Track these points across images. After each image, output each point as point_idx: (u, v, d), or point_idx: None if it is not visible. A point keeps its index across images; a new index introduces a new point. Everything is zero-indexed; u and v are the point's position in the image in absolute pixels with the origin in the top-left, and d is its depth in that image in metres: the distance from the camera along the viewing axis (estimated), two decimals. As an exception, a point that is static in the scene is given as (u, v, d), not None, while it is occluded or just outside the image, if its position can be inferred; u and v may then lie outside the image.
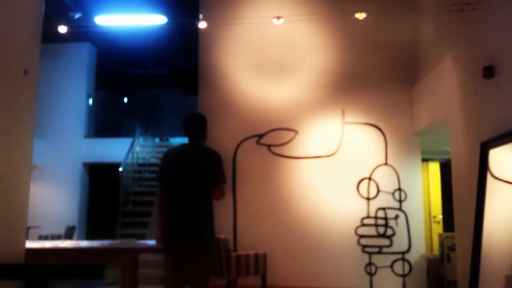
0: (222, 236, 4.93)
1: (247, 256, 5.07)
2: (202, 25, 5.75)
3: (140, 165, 9.65)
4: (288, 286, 5.79)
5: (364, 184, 6.11)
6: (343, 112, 6.28)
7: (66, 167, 10.75)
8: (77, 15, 9.37)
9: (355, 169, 6.13)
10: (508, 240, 3.68)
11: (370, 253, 5.91)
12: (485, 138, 4.16)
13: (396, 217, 6.02)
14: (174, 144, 11.15)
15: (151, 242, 4.40)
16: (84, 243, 4.40)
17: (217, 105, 6.41)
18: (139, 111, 11.62)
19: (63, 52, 11.02)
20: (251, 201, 6.14)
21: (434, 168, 7.93)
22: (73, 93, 11.07)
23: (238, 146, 6.26)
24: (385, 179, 6.10)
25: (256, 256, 5.13)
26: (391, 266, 5.92)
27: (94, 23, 9.56)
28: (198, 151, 3.64)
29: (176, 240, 3.44)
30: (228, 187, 6.20)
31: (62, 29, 5.37)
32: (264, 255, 5.24)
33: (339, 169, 6.14)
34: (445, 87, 5.18)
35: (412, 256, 5.95)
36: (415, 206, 6.06)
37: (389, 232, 5.97)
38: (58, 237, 8.99)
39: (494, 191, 3.97)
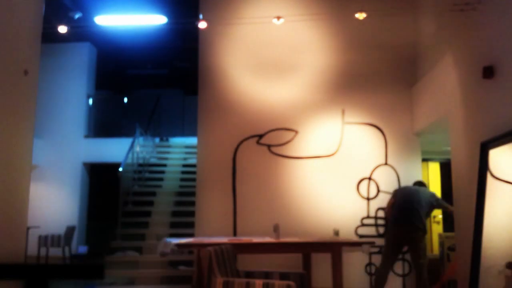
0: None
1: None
2: (202, 25, 5.74)
3: (140, 165, 9.65)
4: (288, 286, 5.77)
5: (364, 184, 6.11)
6: (343, 112, 6.29)
7: (66, 167, 10.75)
8: (77, 15, 9.38)
9: (355, 169, 6.13)
10: (508, 240, 3.68)
11: (370, 253, 5.92)
12: (485, 138, 4.16)
13: (396, 217, 6.01)
14: (174, 144, 11.16)
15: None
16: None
17: (217, 105, 6.41)
18: (139, 111, 11.62)
19: (63, 52, 11.03)
20: (251, 201, 6.14)
21: (434, 168, 7.93)
22: (73, 93, 11.08)
23: (238, 146, 6.26)
24: (385, 179, 6.10)
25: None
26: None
27: (94, 23, 9.57)
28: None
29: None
30: (228, 187, 6.21)
31: (62, 29, 5.37)
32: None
33: (339, 169, 6.14)
34: (445, 87, 5.18)
35: (412, 256, 5.95)
36: (415, 206, 6.06)
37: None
38: (58, 237, 9.01)
39: (494, 191, 3.97)
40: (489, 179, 4.04)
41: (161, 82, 13.36)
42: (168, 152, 10.89)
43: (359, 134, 6.23)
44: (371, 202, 6.06)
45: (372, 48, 6.40)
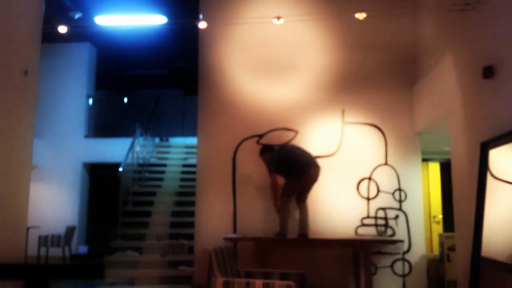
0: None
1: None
2: (202, 25, 5.74)
3: (140, 165, 9.65)
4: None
5: (364, 184, 6.11)
6: (343, 112, 6.28)
7: (66, 167, 10.76)
8: (77, 15, 9.38)
9: (355, 169, 6.13)
10: (508, 240, 3.68)
11: (370, 253, 5.90)
12: (485, 138, 4.16)
13: (396, 217, 6.02)
14: (174, 144, 11.16)
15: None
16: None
17: (217, 105, 6.41)
18: (139, 111, 11.63)
19: (63, 52, 11.04)
20: (251, 201, 6.14)
21: (434, 168, 7.94)
22: (73, 93, 11.08)
23: (238, 146, 6.26)
24: (385, 179, 6.10)
25: None
26: (391, 266, 5.93)
27: (94, 23, 9.57)
28: None
29: None
30: (228, 187, 6.21)
31: (62, 29, 5.37)
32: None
33: (339, 169, 6.14)
34: (445, 87, 5.18)
35: (412, 256, 5.96)
36: (415, 206, 6.07)
37: (389, 232, 5.97)
38: (58, 237, 9.01)
39: (494, 191, 3.97)
40: (489, 179, 4.04)
41: (161, 82, 13.36)
42: (168, 152, 10.90)
43: (359, 134, 6.23)
44: (371, 202, 6.06)
45: (372, 48, 6.40)
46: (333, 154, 6.19)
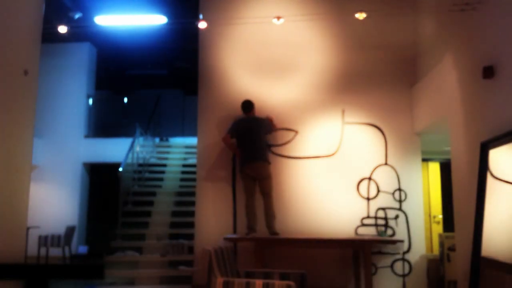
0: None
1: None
2: (202, 25, 5.74)
3: (140, 165, 9.65)
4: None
5: (364, 184, 6.11)
6: (343, 112, 6.28)
7: (66, 167, 10.76)
8: (77, 15, 9.38)
9: (355, 169, 6.13)
10: (508, 240, 3.68)
11: (370, 253, 5.90)
12: (485, 138, 4.16)
13: (396, 217, 6.02)
14: (174, 144, 11.18)
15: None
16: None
17: (217, 105, 6.41)
18: (139, 111, 11.63)
19: (63, 52, 11.04)
20: (251, 201, 6.13)
21: (434, 168, 7.94)
22: (73, 93, 11.08)
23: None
24: (385, 179, 6.10)
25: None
26: (391, 266, 5.93)
27: (94, 23, 9.57)
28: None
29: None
30: (228, 187, 6.21)
31: (62, 29, 5.37)
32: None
33: (339, 169, 6.14)
34: (445, 87, 5.18)
35: (412, 256, 5.96)
36: (415, 206, 6.07)
37: (389, 232, 5.97)
38: (58, 237, 9.01)
39: (494, 191, 3.97)
40: (489, 179, 4.04)
41: (161, 82, 13.36)
42: (168, 152, 10.90)
43: (359, 134, 6.23)
44: (371, 202, 6.06)
45: (372, 48, 6.40)
46: (333, 154, 6.19)
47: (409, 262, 5.93)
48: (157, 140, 11.29)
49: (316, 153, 6.17)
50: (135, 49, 11.18)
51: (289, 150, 6.22)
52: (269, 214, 5.65)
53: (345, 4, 6.35)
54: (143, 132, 10.20)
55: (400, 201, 6.05)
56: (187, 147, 10.84)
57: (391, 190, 6.08)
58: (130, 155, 9.01)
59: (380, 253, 5.94)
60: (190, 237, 6.95)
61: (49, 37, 5.51)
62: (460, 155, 4.85)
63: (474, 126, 4.52)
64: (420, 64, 6.22)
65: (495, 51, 4.10)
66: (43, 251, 8.96)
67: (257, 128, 5.88)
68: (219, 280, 4.02)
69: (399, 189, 6.07)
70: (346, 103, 6.30)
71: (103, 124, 11.62)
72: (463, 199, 4.76)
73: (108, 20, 9.49)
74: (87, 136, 11.10)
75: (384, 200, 6.06)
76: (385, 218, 6.01)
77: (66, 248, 9.28)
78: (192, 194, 7.01)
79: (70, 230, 9.43)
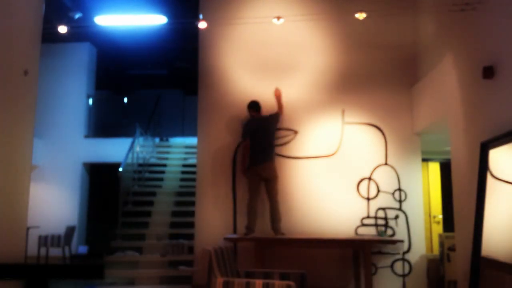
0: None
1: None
2: (202, 25, 5.74)
3: (140, 165, 9.65)
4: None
5: (364, 184, 6.11)
6: (343, 112, 6.28)
7: (66, 167, 10.75)
8: (77, 15, 9.38)
9: (355, 169, 6.13)
10: (508, 240, 3.68)
11: (370, 253, 5.90)
12: (485, 138, 4.16)
13: (396, 217, 6.02)
14: (174, 144, 11.19)
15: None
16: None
17: (217, 105, 6.41)
18: (139, 111, 11.63)
19: (63, 52, 11.03)
20: (251, 201, 6.13)
21: (434, 168, 7.94)
22: (73, 93, 11.08)
23: (238, 146, 6.26)
24: (385, 179, 6.10)
25: None
26: (391, 266, 5.93)
27: (94, 23, 9.57)
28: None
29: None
30: (228, 187, 6.21)
31: (62, 29, 5.37)
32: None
33: (339, 169, 6.14)
34: (445, 87, 5.18)
35: (412, 256, 5.96)
36: (415, 206, 6.07)
37: (389, 232, 5.97)
38: (58, 237, 9.01)
39: (494, 191, 3.97)
40: (489, 179, 4.04)
41: (161, 82, 13.36)
42: (168, 152, 10.90)
43: (359, 134, 6.23)
44: (371, 202, 6.06)
45: (372, 48, 6.40)
46: (333, 154, 6.19)
47: (409, 262, 5.93)
48: (157, 140, 11.29)
49: (316, 153, 6.17)
50: (135, 49, 11.17)
51: (289, 150, 6.22)
52: (277, 218, 5.69)
53: (345, 4, 6.35)
54: (143, 132, 10.20)
55: (400, 201, 6.05)
56: (187, 147, 10.84)
57: (391, 190, 6.08)
58: (130, 155, 9.01)
59: (380, 253, 5.94)
60: (190, 237, 6.95)
61: (49, 37, 5.51)
62: (460, 155, 4.85)
63: (474, 126, 4.52)
64: (420, 64, 6.22)
65: (495, 51, 4.10)
66: (43, 251, 8.96)
67: (268, 126, 5.95)
68: (219, 280, 4.02)
69: (399, 189, 6.07)
70: (346, 103, 6.30)
71: (103, 124, 11.61)
72: (463, 199, 4.76)
73: (108, 20, 9.49)
74: (87, 136, 11.10)
75: (384, 200, 6.06)
76: (385, 218, 6.01)
77: (66, 248, 9.27)
78: (192, 194, 7.01)
79: (70, 230, 9.43)
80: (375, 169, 6.13)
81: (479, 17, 4.42)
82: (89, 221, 11.10)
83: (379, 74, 6.34)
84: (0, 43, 3.12)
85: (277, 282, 3.95)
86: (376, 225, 6.01)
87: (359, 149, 6.19)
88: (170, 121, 12.56)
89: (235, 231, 6.06)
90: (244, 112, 6.32)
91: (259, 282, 3.97)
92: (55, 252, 9.13)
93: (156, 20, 9.45)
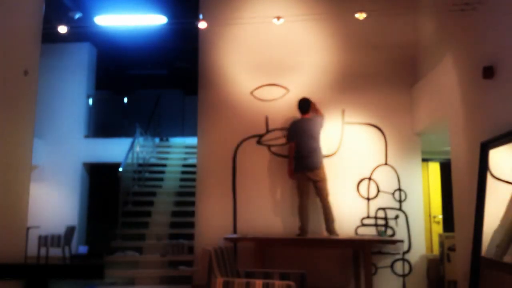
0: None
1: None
2: (202, 25, 5.74)
3: (140, 165, 9.65)
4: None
5: (364, 184, 6.11)
6: (343, 112, 6.28)
7: (66, 167, 10.75)
8: (77, 15, 9.37)
9: (355, 169, 6.13)
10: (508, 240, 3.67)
11: (370, 253, 5.91)
12: (485, 138, 4.16)
13: (396, 217, 6.02)
14: (174, 144, 11.18)
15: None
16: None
17: (217, 105, 6.41)
18: (139, 111, 11.62)
19: (63, 52, 11.03)
20: (251, 201, 6.14)
21: (434, 168, 7.94)
22: (73, 93, 11.07)
23: (238, 146, 6.26)
24: (385, 179, 6.10)
25: None
26: (391, 266, 5.93)
27: (94, 23, 9.57)
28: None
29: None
30: (228, 187, 6.21)
31: (62, 29, 5.37)
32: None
33: (339, 169, 6.14)
34: (445, 87, 5.18)
35: (412, 256, 5.96)
36: (415, 206, 6.07)
37: (389, 232, 5.97)
38: (58, 237, 9.01)
39: (494, 191, 3.97)
40: (489, 179, 4.04)
41: (161, 82, 13.35)
42: (168, 152, 10.90)
43: (359, 134, 6.23)
44: (371, 202, 6.06)
45: (372, 48, 6.40)
46: (333, 154, 6.19)
47: (409, 262, 5.93)
48: (157, 140, 11.28)
49: (316, 153, 6.15)
50: (135, 49, 11.16)
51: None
52: (330, 219, 5.68)
53: (345, 4, 6.35)
54: (143, 132, 10.20)
55: (400, 201, 6.05)
56: (187, 147, 10.84)
57: (391, 190, 6.08)
58: (130, 155, 9.01)
59: (380, 253, 5.94)
60: (190, 237, 6.95)
61: (49, 37, 5.50)
62: (460, 155, 4.85)
63: (474, 126, 4.52)
64: (420, 64, 6.22)
65: (495, 51, 4.10)
66: (43, 251, 8.95)
67: (314, 128, 5.88)
68: (219, 280, 4.02)
69: (399, 189, 6.07)
70: (346, 103, 6.30)
71: (103, 124, 11.61)
72: (463, 199, 4.76)
73: (108, 20, 9.48)
74: (87, 136, 11.09)
75: (384, 200, 6.06)
76: (385, 218, 6.01)
77: (66, 248, 9.27)
78: (192, 194, 7.01)
79: (70, 230, 9.42)
80: (375, 169, 6.13)
81: (479, 17, 4.42)
82: (89, 221, 11.10)
83: (379, 74, 6.34)
84: (0, 43, 3.12)
85: (277, 282, 3.95)
86: (376, 225, 6.01)
87: (359, 149, 6.19)
88: (170, 121, 12.55)
89: (235, 231, 6.06)
90: (244, 112, 6.33)
91: (259, 282, 3.97)
92: (55, 252, 9.13)
93: (156, 20, 9.44)
